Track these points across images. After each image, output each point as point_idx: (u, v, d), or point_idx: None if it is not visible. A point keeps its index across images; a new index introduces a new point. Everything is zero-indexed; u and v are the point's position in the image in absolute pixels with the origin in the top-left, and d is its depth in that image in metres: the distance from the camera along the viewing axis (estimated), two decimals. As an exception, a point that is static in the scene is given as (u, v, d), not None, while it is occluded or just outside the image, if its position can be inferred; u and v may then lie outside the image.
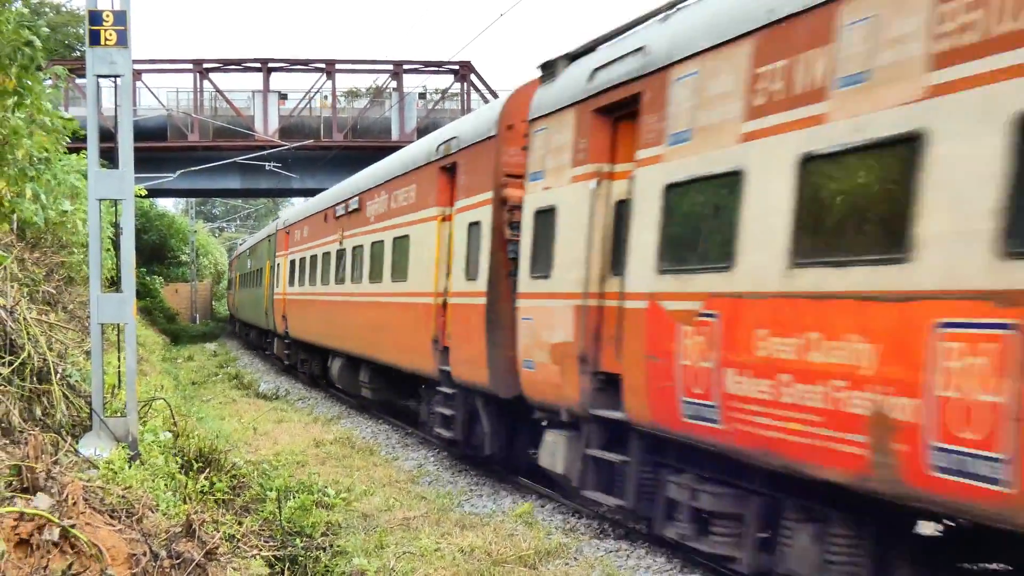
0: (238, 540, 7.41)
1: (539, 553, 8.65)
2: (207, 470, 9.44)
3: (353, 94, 47.28)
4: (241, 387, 24.47)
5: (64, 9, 44.55)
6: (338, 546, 8.62)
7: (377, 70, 40.01)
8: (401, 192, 15.22)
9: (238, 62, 38.95)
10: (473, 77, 38.68)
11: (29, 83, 8.56)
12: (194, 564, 5.74)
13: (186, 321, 53.55)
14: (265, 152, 35.16)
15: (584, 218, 9.01)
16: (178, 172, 34.40)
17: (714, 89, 7.20)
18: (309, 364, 24.29)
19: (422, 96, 41.41)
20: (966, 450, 4.93)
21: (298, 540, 8.39)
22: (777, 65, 6.55)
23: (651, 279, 7.84)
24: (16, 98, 8.49)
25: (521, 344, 10.18)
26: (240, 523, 8.03)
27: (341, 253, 19.43)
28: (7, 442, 6.72)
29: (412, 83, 39.49)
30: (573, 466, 9.24)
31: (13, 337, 8.07)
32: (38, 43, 8.33)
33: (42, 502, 5.31)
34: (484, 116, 12.26)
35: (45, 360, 8.26)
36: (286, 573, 7.56)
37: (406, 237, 14.64)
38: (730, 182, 6.92)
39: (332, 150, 37.51)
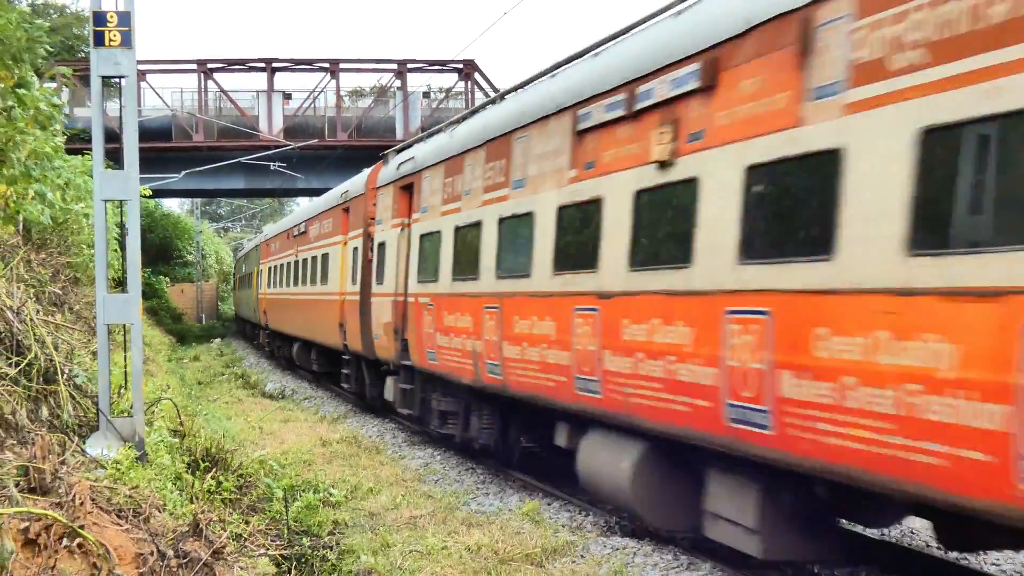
0: (245, 539, 7.43)
1: (546, 551, 8.63)
2: (214, 469, 9.46)
3: (357, 93, 47.29)
4: (247, 387, 24.51)
5: (68, 11, 44.60)
6: (345, 545, 8.62)
7: (381, 69, 40.01)
8: (326, 222, 22.05)
9: (242, 62, 38.98)
10: (477, 76, 38.69)
11: (29, 78, 8.56)
12: (201, 563, 5.75)
13: (192, 321, 53.62)
14: (270, 152, 35.17)
15: (395, 250, 14.87)
16: (183, 172, 34.46)
17: (433, 186, 13.12)
18: (282, 349, 30.08)
19: (426, 95, 41.43)
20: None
21: (305, 539, 8.41)
22: (450, 179, 12.42)
23: (415, 286, 13.61)
24: (16, 97, 8.49)
25: (373, 324, 16.03)
26: (247, 522, 8.04)
27: (296, 263, 25.97)
28: (14, 442, 6.73)
29: (416, 82, 39.74)
30: (396, 396, 15.00)
31: (20, 338, 8.08)
32: (41, 50, 8.33)
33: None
34: (360, 179, 18.85)
35: (52, 361, 8.27)
36: (293, 572, 7.57)
37: (327, 254, 21.45)
38: (438, 236, 12.69)
39: (337, 149, 37.52)
